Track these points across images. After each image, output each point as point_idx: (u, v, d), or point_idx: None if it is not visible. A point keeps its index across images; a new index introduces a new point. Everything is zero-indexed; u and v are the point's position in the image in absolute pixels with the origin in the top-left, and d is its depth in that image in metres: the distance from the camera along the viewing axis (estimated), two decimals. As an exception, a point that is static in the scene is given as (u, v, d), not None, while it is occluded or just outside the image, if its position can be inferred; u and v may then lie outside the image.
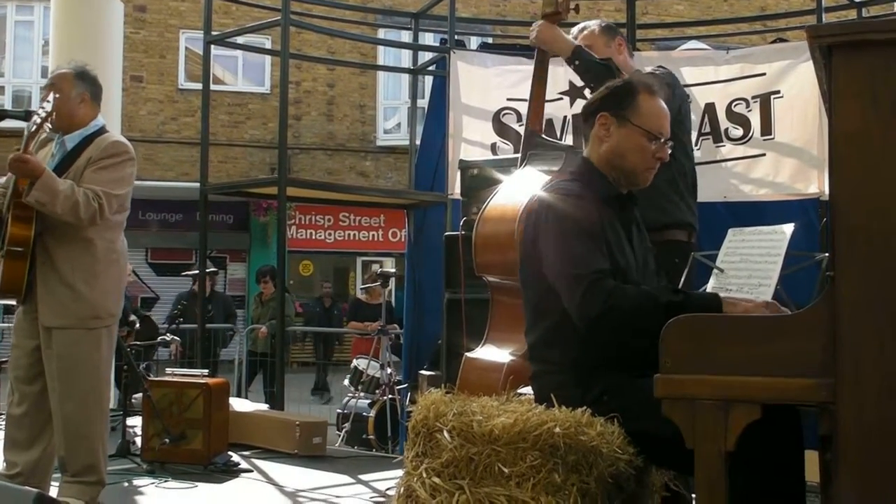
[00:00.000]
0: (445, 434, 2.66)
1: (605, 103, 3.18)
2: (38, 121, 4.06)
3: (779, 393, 2.37)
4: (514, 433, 2.58)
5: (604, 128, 3.15)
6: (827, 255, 3.63)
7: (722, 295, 2.78)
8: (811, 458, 2.79)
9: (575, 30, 4.79)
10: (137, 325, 8.55)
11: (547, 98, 4.77)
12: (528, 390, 3.18)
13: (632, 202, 3.24)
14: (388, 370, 8.92)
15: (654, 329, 2.57)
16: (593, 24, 4.75)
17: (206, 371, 6.76)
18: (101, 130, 4.41)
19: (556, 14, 4.53)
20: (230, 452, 6.42)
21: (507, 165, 5.05)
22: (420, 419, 2.76)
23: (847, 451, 2.30)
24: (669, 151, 3.17)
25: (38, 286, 4.20)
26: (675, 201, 4.34)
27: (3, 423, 4.57)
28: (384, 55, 19.27)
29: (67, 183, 4.11)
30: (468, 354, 4.22)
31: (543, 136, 4.73)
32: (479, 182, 5.73)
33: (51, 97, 4.15)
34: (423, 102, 9.86)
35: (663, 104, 3.20)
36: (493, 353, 4.09)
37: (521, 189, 4.28)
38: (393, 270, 10.87)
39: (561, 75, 6.47)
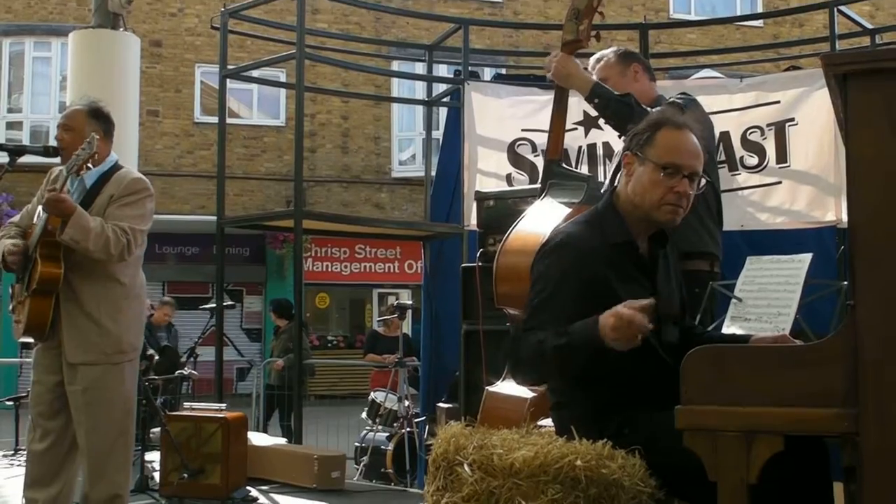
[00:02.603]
0: (466, 467, 2.65)
1: (629, 141, 3.06)
2: (80, 162, 4.07)
3: (801, 424, 2.35)
4: (535, 466, 2.56)
5: (627, 167, 3.03)
6: (846, 283, 3.62)
7: (602, 315, 2.67)
8: (836, 490, 2.76)
9: (592, 60, 4.65)
10: (156, 358, 8.55)
11: (563, 128, 4.71)
12: (548, 422, 3.16)
13: (635, 248, 3.02)
14: (406, 403, 8.88)
15: (559, 373, 2.86)
16: (609, 53, 4.59)
17: (223, 405, 6.74)
18: (117, 166, 4.43)
19: (577, 42, 4.34)
20: (248, 487, 6.39)
21: (523, 196, 5.03)
22: (440, 452, 2.75)
23: (871, 483, 2.27)
24: (699, 189, 3.02)
25: (63, 323, 4.21)
26: (696, 228, 4.15)
27: (24, 459, 4.56)
28: (398, 87, 19.34)
29: (97, 220, 4.13)
30: (489, 388, 4.18)
31: (564, 165, 4.67)
32: (495, 213, 5.72)
33: (93, 138, 4.14)
34: (437, 134, 9.90)
35: (691, 138, 2.99)
36: (515, 388, 4.05)
37: (541, 220, 4.25)
38: (410, 302, 10.87)
39: (575, 105, 6.47)
